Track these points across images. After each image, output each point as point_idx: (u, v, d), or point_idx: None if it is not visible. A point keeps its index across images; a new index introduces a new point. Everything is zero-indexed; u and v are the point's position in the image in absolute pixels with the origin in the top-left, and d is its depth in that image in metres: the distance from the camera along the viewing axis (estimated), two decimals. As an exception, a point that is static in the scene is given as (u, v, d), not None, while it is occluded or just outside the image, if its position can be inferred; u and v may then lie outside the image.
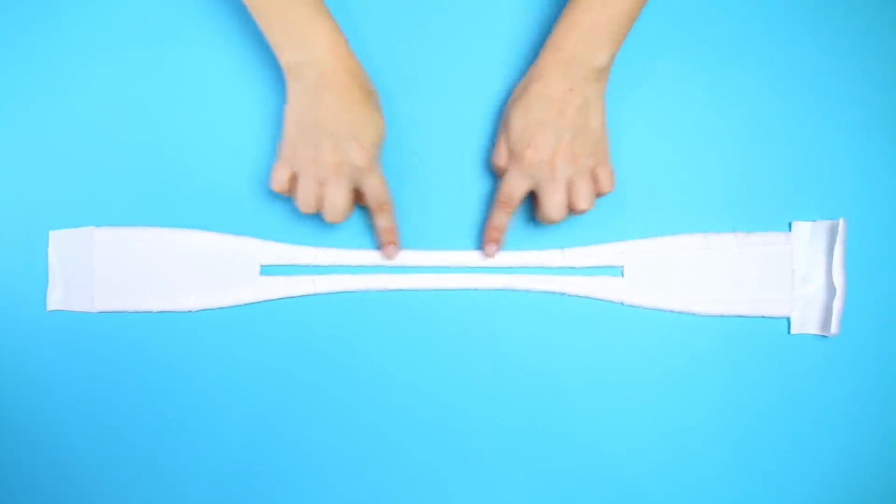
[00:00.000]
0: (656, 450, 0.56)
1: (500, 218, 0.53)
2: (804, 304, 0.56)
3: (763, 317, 0.56)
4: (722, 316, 0.56)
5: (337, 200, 0.50)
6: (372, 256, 0.56)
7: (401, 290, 0.56)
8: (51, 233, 0.56)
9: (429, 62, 0.57)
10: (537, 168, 0.49)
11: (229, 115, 0.57)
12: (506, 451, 0.56)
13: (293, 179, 0.51)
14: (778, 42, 0.57)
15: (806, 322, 0.56)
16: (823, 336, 0.56)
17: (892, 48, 0.57)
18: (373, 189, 0.51)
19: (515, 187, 0.51)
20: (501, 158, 0.52)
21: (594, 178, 0.51)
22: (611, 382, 0.56)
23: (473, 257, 0.56)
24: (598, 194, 0.51)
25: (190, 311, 0.56)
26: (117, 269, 0.56)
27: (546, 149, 0.49)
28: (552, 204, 0.50)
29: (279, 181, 0.51)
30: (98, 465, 0.57)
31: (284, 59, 0.49)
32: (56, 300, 0.56)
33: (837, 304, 0.55)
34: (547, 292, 0.56)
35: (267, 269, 0.56)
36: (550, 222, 0.52)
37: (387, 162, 0.55)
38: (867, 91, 0.57)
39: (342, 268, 0.57)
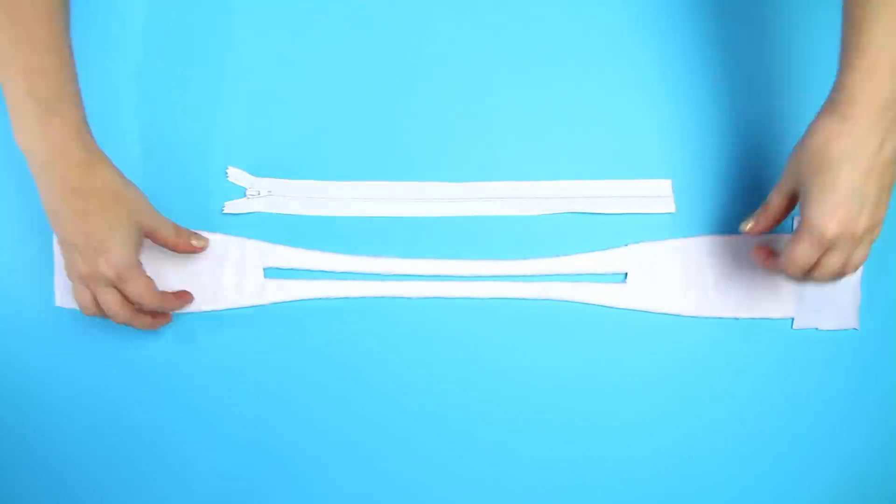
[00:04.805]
0: (664, 454, 0.57)
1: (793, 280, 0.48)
2: (813, 301, 0.56)
3: (769, 318, 0.56)
4: (727, 318, 0.56)
5: (107, 306, 0.48)
6: (379, 264, 0.56)
7: (405, 297, 0.56)
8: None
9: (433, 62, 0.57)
10: (837, 240, 0.43)
11: (234, 116, 0.57)
12: (510, 457, 0.57)
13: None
14: (777, 41, 0.57)
15: (816, 319, 0.56)
16: (829, 334, 0.56)
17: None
18: (134, 296, 0.48)
19: (812, 257, 0.44)
20: (773, 212, 0.48)
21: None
22: (615, 388, 0.56)
23: (477, 266, 0.56)
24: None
25: (192, 313, 0.56)
26: None
27: (850, 221, 0.42)
28: (829, 269, 0.44)
29: (84, 303, 0.48)
30: (100, 464, 0.57)
31: (17, 139, 0.44)
32: (61, 298, 0.55)
33: (855, 298, 0.55)
34: (549, 300, 0.56)
35: (271, 273, 0.56)
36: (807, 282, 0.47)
37: (394, 165, 0.56)
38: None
39: (349, 274, 0.56)
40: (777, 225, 0.50)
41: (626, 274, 0.56)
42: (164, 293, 0.51)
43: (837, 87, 0.42)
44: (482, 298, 0.56)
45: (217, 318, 0.56)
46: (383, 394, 0.57)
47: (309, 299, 0.56)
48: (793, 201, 0.47)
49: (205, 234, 0.55)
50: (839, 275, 0.46)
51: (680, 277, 0.56)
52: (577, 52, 0.58)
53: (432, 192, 0.57)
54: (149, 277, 0.49)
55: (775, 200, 0.48)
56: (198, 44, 0.57)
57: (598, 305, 0.56)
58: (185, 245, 0.52)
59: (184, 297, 0.53)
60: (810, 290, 0.56)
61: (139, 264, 0.48)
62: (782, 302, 0.56)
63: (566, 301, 0.56)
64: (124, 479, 0.57)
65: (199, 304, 0.55)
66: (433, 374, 0.57)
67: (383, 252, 0.57)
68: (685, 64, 0.57)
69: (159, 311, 0.52)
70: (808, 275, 0.46)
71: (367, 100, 0.57)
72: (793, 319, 0.56)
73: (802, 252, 0.44)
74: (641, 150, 0.57)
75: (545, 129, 0.57)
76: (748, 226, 0.50)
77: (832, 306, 0.55)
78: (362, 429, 0.57)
